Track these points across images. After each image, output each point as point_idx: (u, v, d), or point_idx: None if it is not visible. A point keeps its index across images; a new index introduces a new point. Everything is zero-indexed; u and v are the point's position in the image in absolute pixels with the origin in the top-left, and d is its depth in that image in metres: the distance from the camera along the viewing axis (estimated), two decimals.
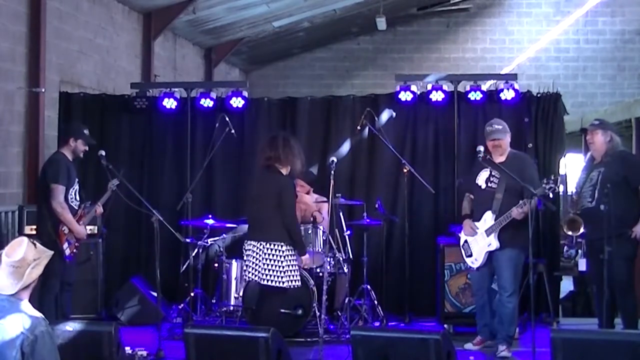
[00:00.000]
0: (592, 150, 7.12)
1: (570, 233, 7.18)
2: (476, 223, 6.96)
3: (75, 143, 7.18)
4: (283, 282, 6.72)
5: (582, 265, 7.32)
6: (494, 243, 6.84)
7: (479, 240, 6.93)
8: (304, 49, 18.10)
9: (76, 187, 7.17)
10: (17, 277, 3.85)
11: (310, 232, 7.82)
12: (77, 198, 7.20)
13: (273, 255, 6.72)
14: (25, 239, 4.00)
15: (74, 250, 7.10)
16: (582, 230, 7.03)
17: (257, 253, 6.77)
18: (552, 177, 6.57)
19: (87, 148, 7.26)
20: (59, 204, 6.97)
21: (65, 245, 7.01)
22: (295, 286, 6.87)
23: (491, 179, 6.94)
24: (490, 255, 6.89)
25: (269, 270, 6.71)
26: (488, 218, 6.88)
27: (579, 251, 9.99)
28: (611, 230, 6.58)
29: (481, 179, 7.01)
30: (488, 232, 6.86)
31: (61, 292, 7.13)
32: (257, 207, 6.87)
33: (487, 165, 6.94)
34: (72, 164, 7.20)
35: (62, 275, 7.04)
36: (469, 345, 7.11)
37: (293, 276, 6.78)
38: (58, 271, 6.88)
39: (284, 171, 6.84)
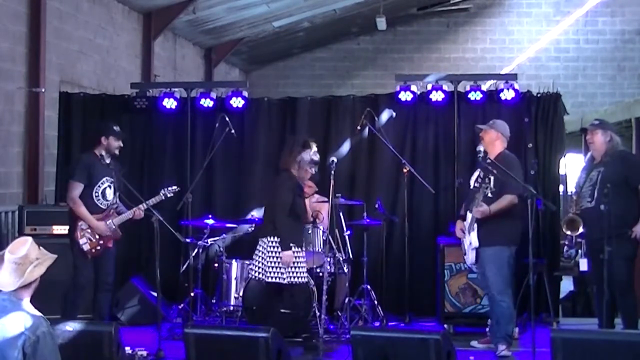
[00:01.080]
0: (591, 150, 7.12)
1: (569, 233, 7.19)
2: (465, 223, 7.07)
3: (107, 141, 7.24)
4: (284, 279, 6.80)
5: (583, 265, 7.32)
6: (474, 241, 6.92)
7: (467, 239, 7.03)
8: (304, 49, 18.11)
9: (104, 186, 7.19)
10: (18, 275, 3.87)
11: (310, 232, 7.82)
12: (107, 197, 7.21)
13: (273, 250, 6.94)
14: (29, 238, 4.04)
15: (97, 247, 7.11)
16: (581, 230, 7.04)
17: (261, 250, 7.00)
18: (481, 176, 6.70)
19: (120, 144, 7.32)
20: (71, 199, 7.10)
21: (84, 240, 7.05)
22: (297, 282, 6.96)
23: (478, 179, 7.01)
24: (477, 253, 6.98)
25: (271, 266, 6.92)
26: (469, 218, 7.00)
27: (579, 251, 9.99)
28: (611, 230, 6.59)
29: (473, 178, 7.11)
30: (469, 230, 6.96)
31: (99, 292, 7.22)
32: (264, 207, 7.27)
33: (486, 165, 6.96)
34: (105, 163, 7.19)
35: (97, 274, 7.16)
36: (474, 343, 7.15)
37: (295, 273, 6.86)
38: (82, 268, 7.05)
39: (294, 171, 7.02)
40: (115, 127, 7.37)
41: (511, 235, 6.78)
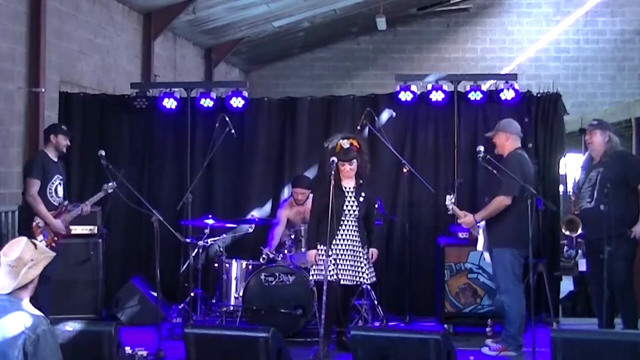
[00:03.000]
0: (590, 150, 7.12)
1: (568, 233, 7.19)
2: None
3: (55, 139, 7.43)
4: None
5: (582, 265, 7.32)
6: (479, 243, 7.05)
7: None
8: (304, 49, 18.11)
9: (56, 183, 7.38)
10: (13, 277, 3.86)
11: None
12: (59, 194, 7.39)
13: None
14: (24, 238, 4.01)
15: (53, 244, 7.25)
16: (580, 230, 7.04)
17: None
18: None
19: (68, 142, 7.53)
20: (30, 196, 7.26)
21: (40, 237, 7.22)
22: (314, 280, 7.06)
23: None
24: None
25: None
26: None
27: (579, 251, 9.99)
28: (611, 230, 6.59)
29: None
30: (478, 232, 7.12)
31: (39, 284, 7.25)
32: None
33: (486, 165, 6.98)
34: (54, 161, 7.41)
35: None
36: (484, 349, 7.15)
37: (315, 271, 6.97)
38: None
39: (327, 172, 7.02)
40: (63, 127, 7.63)
41: (509, 236, 6.78)
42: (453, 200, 7.12)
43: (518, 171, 6.84)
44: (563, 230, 7.20)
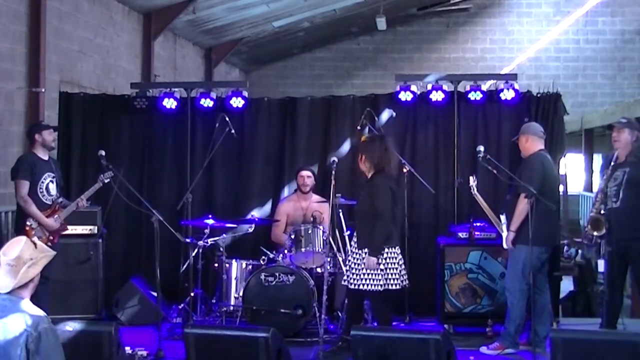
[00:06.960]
0: (616, 148, 6.93)
1: (596, 233, 6.96)
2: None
3: (41, 137, 7.32)
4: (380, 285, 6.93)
5: (602, 266, 7.17)
6: (504, 240, 7.12)
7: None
8: (304, 49, 18.14)
9: (47, 181, 7.28)
10: (13, 276, 3.88)
11: (310, 232, 7.82)
12: (51, 193, 7.30)
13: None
14: (24, 238, 4.04)
15: (48, 244, 7.14)
16: (604, 230, 6.90)
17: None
18: None
19: (54, 136, 7.43)
20: (21, 198, 7.17)
21: (35, 239, 7.10)
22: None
23: None
24: None
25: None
26: (502, 219, 7.16)
27: (579, 251, 9.96)
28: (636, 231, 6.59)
29: None
30: (501, 230, 7.22)
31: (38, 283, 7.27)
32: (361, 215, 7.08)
33: (487, 165, 6.97)
34: (45, 160, 7.30)
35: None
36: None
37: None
38: None
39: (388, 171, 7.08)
40: (44, 123, 7.56)
41: (527, 234, 6.71)
42: (476, 182, 7.20)
43: (540, 171, 6.87)
44: (589, 230, 7.04)
